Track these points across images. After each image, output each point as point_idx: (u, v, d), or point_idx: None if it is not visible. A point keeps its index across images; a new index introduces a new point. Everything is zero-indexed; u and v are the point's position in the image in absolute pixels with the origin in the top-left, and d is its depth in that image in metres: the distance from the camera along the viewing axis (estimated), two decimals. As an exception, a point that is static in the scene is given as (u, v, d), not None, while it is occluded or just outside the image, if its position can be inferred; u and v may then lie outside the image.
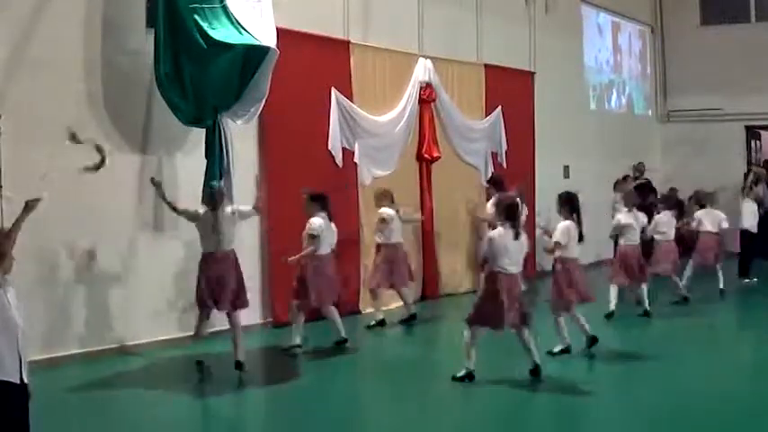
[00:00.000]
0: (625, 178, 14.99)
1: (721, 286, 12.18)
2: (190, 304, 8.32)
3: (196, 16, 8.25)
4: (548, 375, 7.45)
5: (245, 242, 9.76)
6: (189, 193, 8.74)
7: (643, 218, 10.95)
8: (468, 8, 13.30)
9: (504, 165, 13.61)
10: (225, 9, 8.47)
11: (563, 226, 8.30)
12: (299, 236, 9.88)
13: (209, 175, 8.59)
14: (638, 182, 14.84)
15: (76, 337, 8.27)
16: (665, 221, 11.47)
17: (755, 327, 10.78)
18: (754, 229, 13.53)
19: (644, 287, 10.57)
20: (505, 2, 14.14)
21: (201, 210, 7.80)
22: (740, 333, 10.81)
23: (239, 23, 8.50)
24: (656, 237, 11.39)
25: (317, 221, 8.59)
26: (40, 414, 4.95)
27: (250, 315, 9.90)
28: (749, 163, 17.36)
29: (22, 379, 4.67)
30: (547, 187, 13.71)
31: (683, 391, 7.29)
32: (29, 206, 5.22)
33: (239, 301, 7.87)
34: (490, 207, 11.37)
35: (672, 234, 11.51)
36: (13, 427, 4.68)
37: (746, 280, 13.47)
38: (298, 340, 8.72)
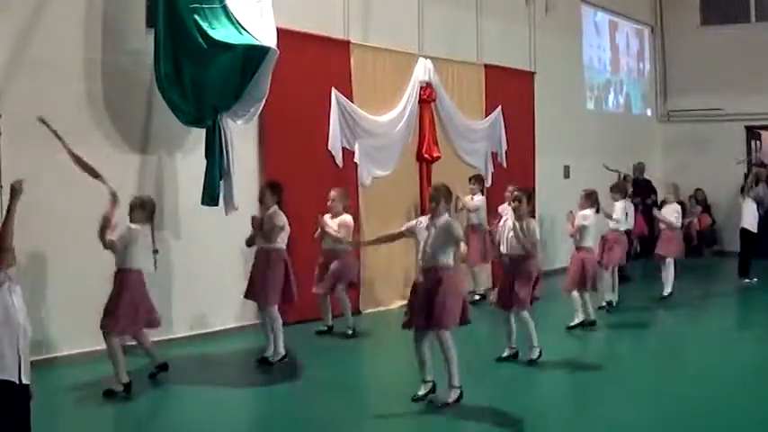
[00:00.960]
0: (625, 178, 14.98)
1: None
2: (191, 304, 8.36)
3: (196, 16, 8.25)
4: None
5: (242, 241, 9.78)
6: (189, 193, 8.75)
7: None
8: (468, 8, 13.29)
9: (504, 165, 13.62)
10: (225, 9, 8.47)
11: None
12: (299, 235, 9.91)
13: (209, 175, 8.59)
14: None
15: (76, 336, 8.26)
16: (620, 208, 11.12)
17: (754, 328, 10.80)
18: (754, 229, 13.53)
19: (587, 296, 9.93)
20: (505, 2, 14.14)
21: (133, 226, 7.30)
22: (739, 334, 10.81)
23: (239, 23, 8.50)
24: (611, 225, 10.99)
25: (283, 215, 8.35)
26: (40, 414, 4.96)
27: (248, 315, 9.91)
28: (749, 163, 17.36)
29: (21, 379, 4.67)
30: (547, 187, 13.75)
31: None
32: (15, 190, 4.98)
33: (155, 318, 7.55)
34: (470, 201, 11.77)
35: (624, 225, 11.21)
36: (13, 426, 4.68)
37: (746, 280, 13.47)
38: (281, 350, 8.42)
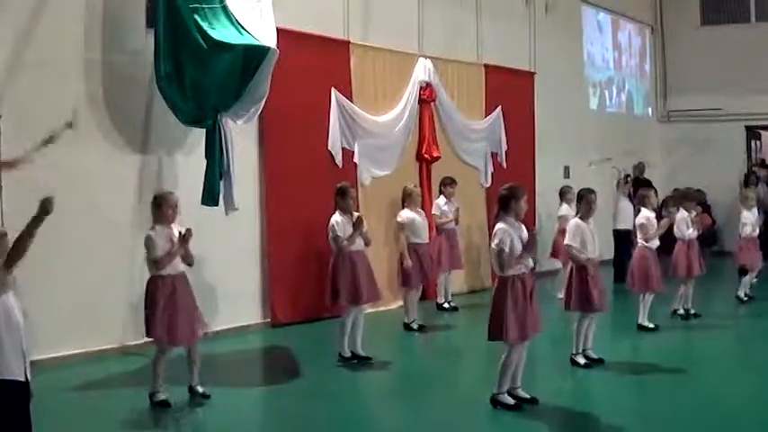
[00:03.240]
0: (626, 178, 14.99)
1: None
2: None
3: (196, 16, 8.26)
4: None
5: (245, 242, 9.80)
6: (189, 193, 8.73)
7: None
8: (468, 8, 13.31)
9: (504, 165, 13.62)
10: (225, 9, 8.49)
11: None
12: (298, 235, 9.93)
13: (209, 175, 8.60)
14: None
15: (78, 336, 8.27)
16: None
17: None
18: (755, 230, 13.49)
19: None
20: (505, 2, 14.15)
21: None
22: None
23: (239, 23, 8.51)
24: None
25: None
26: (41, 413, 4.96)
27: (250, 315, 9.93)
28: (750, 166, 17.38)
29: (26, 377, 4.70)
30: (547, 187, 13.73)
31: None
32: (44, 207, 4.92)
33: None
34: (436, 208, 11.18)
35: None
36: (16, 425, 4.70)
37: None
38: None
